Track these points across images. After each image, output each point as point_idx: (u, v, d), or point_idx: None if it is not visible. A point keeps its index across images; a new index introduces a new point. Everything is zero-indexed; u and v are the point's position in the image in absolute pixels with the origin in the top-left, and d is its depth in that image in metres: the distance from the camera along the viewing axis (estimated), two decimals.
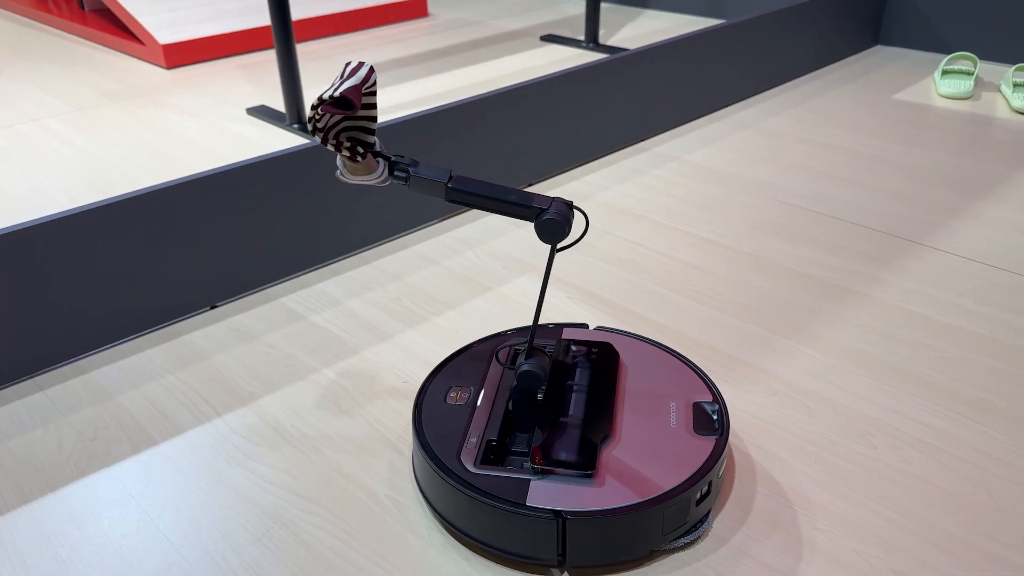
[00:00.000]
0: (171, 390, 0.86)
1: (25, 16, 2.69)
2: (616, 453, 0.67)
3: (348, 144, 0.62)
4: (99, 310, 0.91)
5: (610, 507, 0.62)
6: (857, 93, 1.74)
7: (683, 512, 0.65)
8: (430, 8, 2.59)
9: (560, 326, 0.84)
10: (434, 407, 0.72)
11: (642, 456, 0.67)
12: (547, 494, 0.63)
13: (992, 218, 1.19)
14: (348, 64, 0.65)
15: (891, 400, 0.83)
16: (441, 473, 0.65)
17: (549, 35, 2.20)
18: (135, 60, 2.10)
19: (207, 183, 0.95)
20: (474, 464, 0.66)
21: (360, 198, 1.10)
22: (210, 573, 0.64)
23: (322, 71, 1.95)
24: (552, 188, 1.31)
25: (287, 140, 1.52)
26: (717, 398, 0.73)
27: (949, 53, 1.95)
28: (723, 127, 1.57)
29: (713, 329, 0.95)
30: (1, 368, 0.86)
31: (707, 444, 0.68)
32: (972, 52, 1.91)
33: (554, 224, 0.65)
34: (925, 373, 0.87)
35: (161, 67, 2.02)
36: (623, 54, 1.39)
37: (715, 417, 0.71)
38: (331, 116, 0.60)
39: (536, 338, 0.81)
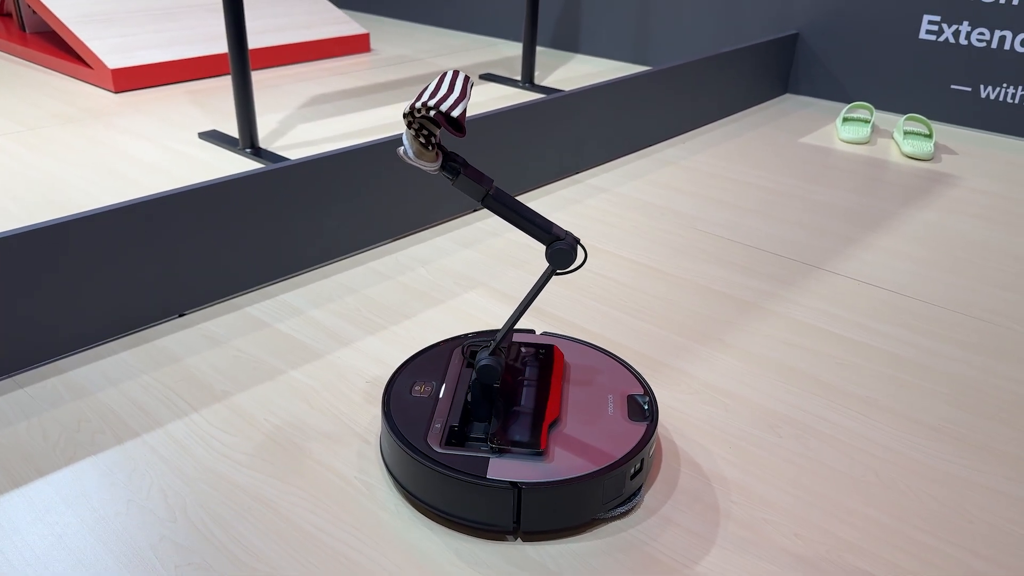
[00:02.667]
0: (147, 388, 0.92)
1: None
2: (562, 436, 0.77)
3: (427, 135, 0.70)
4: (74, 315, 0.97)
5: (558, 478, 0.72)
6: (768, 136, 1.92)
7: (620, 484, 0.75)
8: (373, 44, 2.70)
9: (523, 330, 0.94)
10: (401, 398, 0.81)
11: (584, 438, 0.77)
12: (504, 469, 0.73)
13: (883, 247, 1.35)
14: (447, 73, 0.74)
15: (794, 398, 0.95)
16: (410, 453, 0.74)
17: (488, 74, 2.33)
18: (81, 83, 2.13)
19: (176, 200, 1.03)
20: (439, 445, 0.75)
21: (318, 216, 1.18)
22: (199, 545, 0.71)
23: (270, 98, 2.02)
24: (493, 215, 1.42)
25: (241, 164, 1.59)
26: (647, 391, 0.84)
27: (849, 102, 2.15)
28: (649, 163, 1.71)
29: (641, 337, 1.06)
30: None
31: (639, 428, 0.79)
32: (869, 102, 2.12)
33: (564, 253, 0.75)
34: (823, 376, 1.00)
35: (109, 91, 2.06)
36: (560, 94, 1.52)
37: (645, 407, 0.82)
38: (426, 114, 0.68)
39: (489, 340, 0.91)
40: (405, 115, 0.70)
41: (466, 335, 0.92)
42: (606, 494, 0.74)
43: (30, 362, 0.94)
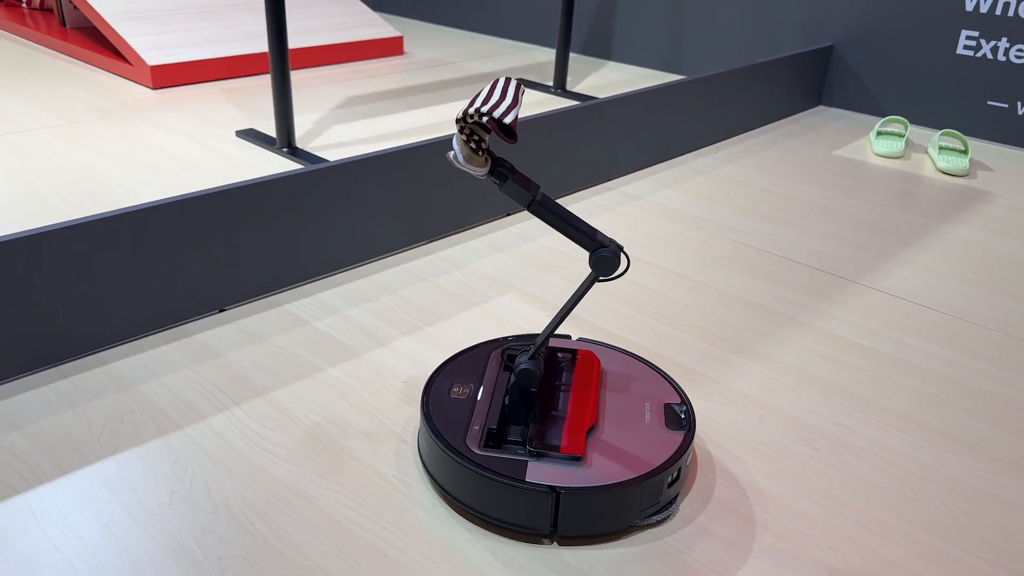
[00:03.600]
0: (189, 381, 0.94)
1: (3, 30, 2.73)
2: (600, 442, 0.78)
3: (477, 140, 0.72)
4: (117, 308, 0.99)
5: (596, 484, 0.73)
6: (801, 148, 1.91)
7: (657, 492, 0.75)
8: (406, 47, 2.72)
9: (560, 335, 0.95)
10: (440, 399, 0.82)
11: (622, 445, 0.78)
12: (543, 473, 0.73)
13: (917, 262, 1.35)
14: (499, 80, 0.75)
15: (829, 411, 0.95)
16: (450, 454, 0.75)
17: (520, 79, 2.34)
18: (120, 79, 2.16)
19: (218, 198, 1.04)
20: (478, 447, 0.76)
21: (355, 216, 1.20)
22: (241, 537, 0.73)
23: (306, 99, 2.05)
24: (525, 220, 1.43)
25: (278, 163, 1.61)
26: (684, 400, 0.85)
27: (883, 116, 2.14)
28: (682, 172, 1.71)
29: (673, 346, 1.07)
30: (28, 356, 0.92)
31: (676, 437, 0.79)
32: (904, 116, 2.11)
33: (609, 260, 0.76)
34: (857, 390, 1.00)
35: (148, 87, 2.09)
36: (594, 102, 1.53)
37: (683, 416, 0.82)
38: (478, 120, 0.69)
39: (528, 344, 0.92)
40: (457, 120, 0.70)
41: (505, 338, 0.93)
42: (643, 501, 0.75)
43: (75, 353, 0.96)
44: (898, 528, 0.78)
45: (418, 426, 0.85)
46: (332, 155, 1.66)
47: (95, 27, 2.52)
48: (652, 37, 2.53)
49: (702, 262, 1.31)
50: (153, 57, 2.08)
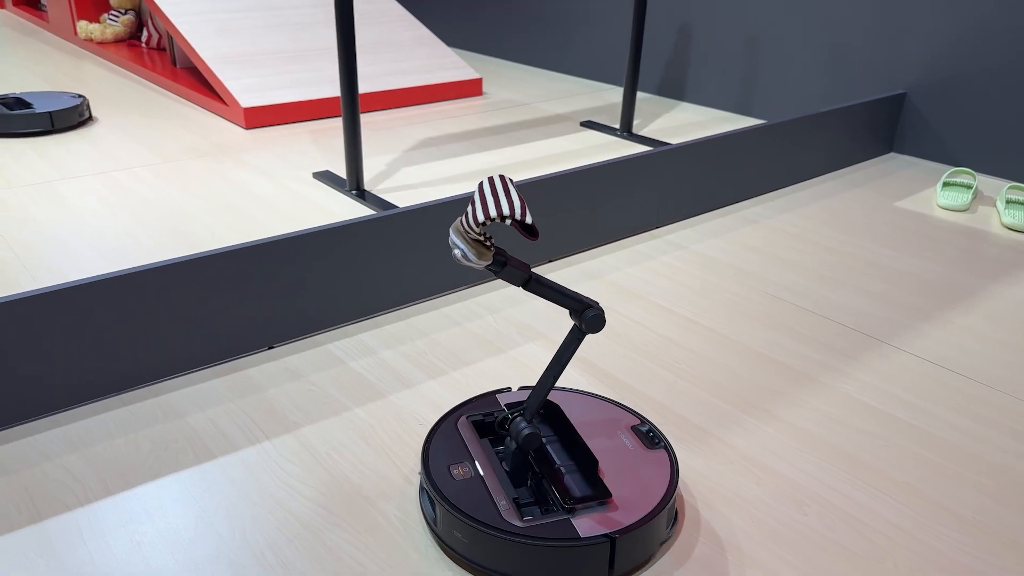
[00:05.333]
0: (230, 415, 1.04)
1: (122, 67, 3.00)
2: (610, 479, 0.84)
3: (486, 237, 0.78)
4: (176, 343, 1.11)
5: (638, 519, 0.79)
6: (864, 198, 1.90)
7: (673, 507, 0.83)
8: (485, 88, 2.83)
9: (491, 393, 0.99)
10: (449, 485, 0.84)
11: (628, 475, 0.85)
12: (589, 525, 0.79)
13: (957, 325, 1.33)
14: (494, 180, 0.80)
15: (829, 477, 0.97)
16: (500, 535, 0.78)
17: (588, 121, 2.40)
18: (217, 118, 2.35)
19: (277, 246, 1.15)
20: (520, 520, 0.79)
21: (401, 262, 1.29)
22: (250, 564, 0.82)
23: (382, 140, 2.18)
24: (569, 266, 1.49)
25: (345, 204, 1.73)
26: (643, 420, 0.93)
27: (955, 165, 2.09)
28: (732, 221, 1.74)
29: (684, 400, 1.11)
30: (95, 386, 1.05)
31: (662, 455, 0.87)
32: (975, 166, 2.05)
33: (598, 319, 0.83)
34: (863, 457, 1.01)
35: (241, 127, 2.26)
36: (648, 152, 1.58)
37: (651, 435, 0.90)
38: (500, 223, 0.76)
39: (476, 407, 0.96)
40: (473, 228, 0.76)
41: (460, 406, 0.96)
42: (668, 518, 0.82)
43: (135, 383, 1.09)
44: None
45: (435, 511, 0.85)
46: (398, 197, 1.77)
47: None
48: (726, 79, 2.55)
49: (730, 315, 1.34)
50: (247, 99, 2.26)
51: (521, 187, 1.41)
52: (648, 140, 2.24)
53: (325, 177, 1.87)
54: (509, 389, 1.00)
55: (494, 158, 2.06)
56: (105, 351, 1.05)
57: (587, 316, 0.83)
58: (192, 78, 2.66)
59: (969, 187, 1.88)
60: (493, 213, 0.76)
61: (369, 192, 1.79)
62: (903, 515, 0.92)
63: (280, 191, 1.79)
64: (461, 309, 1.33)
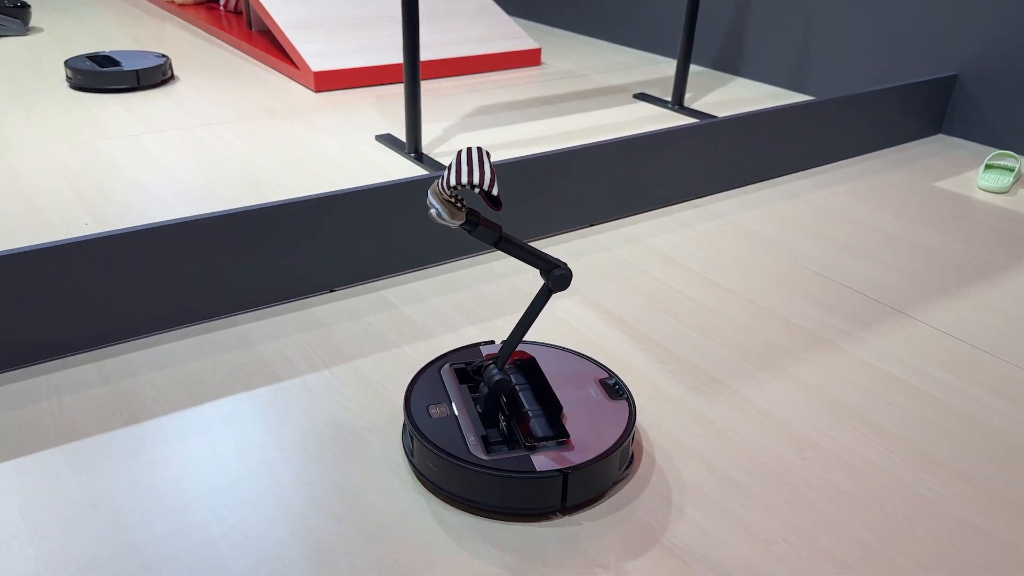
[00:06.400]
0: (296, 346, 1.18)
1: (201, 29, 3.16)
2: (572, 424, 0.95)
3: (457, 199, 0.87)
4: (249, 281, 1.25)
5: (591, 458, 0.89)
6: (907, 177, 1.94)
7: (626, 451, 0.93)
8: (543, 58, 2.91)
9: (475, 345, 1.08)
10: (427, 422, 0.94)
11: (588, 422, 0.95)
12: (545, 461, 0.89)
13: (978, 301, 1.39)
14: (472, 151, 0.89)
15: (830, 429, 1.06)
16: (465, 465, 0.88)
17: (641, 93, 2.47)
18: (288, 80, 2.49)
19: (343, 199, 1.28)
20: (486, 454, 0.90)
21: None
22: (311, 464, 0.95)
23: (441, 107, 2.29)
24: (610, 230, 1.59)
25: (403, 165, 1.85)
26: (611, 374, 1.03)
27: (1003, 148, 2.11)
28: (772, 194, 1.80)
29: (706, 356, 1.20)
30: (180, 314, 1.20)
31: (623, 405, 0.97)
32: (1021, 150, 2.07)
33: (564, 278, 0.92)
34: (867, 414, 1.10)
35: (311, 90, 2.40)
36: (693, 124, 1.66)
37: (616, 387, 1.00)
38: (470, 191, 0.86)
39: (461, 356, 1.05)
40: (441, 191, 0.85)
41: (445, 355, 1.06)
42: (621, 460, 0.92)
43: (213, 315, 1.23)
44: (856, 534, 0.90)
45: (413, 444, 0.96)
46: (450, 161, 1.88)
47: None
48: (780, 55, 2.59)
49: (757, 282, 1.42)
50: (317, 63, 2.39)
51: (566, 154, 1.51)
52: (698, 113, 2.30)
53: (387, 140, 1.99)
54: (492, 342, 1.10)
55: (546, 127, 2.15)
56: (188, 285, 1.19)
57: (554, 275, 0.91)
58: (266, 41, 2.81)
59: (1011, 170, 1.91)
60: (464, 180, 0.85)
61: (426, 155, 1.90)
62: (897, 465, 1.00)
63: (345, 151, 1.92)
64: (505, 266, 1.44)
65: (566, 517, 0.90)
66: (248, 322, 1.23)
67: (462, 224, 0.89)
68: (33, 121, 2.06)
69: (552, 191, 1.51)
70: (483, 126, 2.14)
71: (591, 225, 1.61)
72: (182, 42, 2.96)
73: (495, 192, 0.86)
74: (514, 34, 2.81)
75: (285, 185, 1.71)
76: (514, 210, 1.47)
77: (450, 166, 0.88)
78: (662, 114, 2.30)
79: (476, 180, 0.85)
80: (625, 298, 1.35)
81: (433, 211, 0.87)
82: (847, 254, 1.54)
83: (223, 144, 1.93)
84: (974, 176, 1.96)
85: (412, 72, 1.78)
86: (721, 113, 2.34)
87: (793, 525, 0.90)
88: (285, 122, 2.11)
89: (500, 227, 0.92)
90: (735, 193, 1.80)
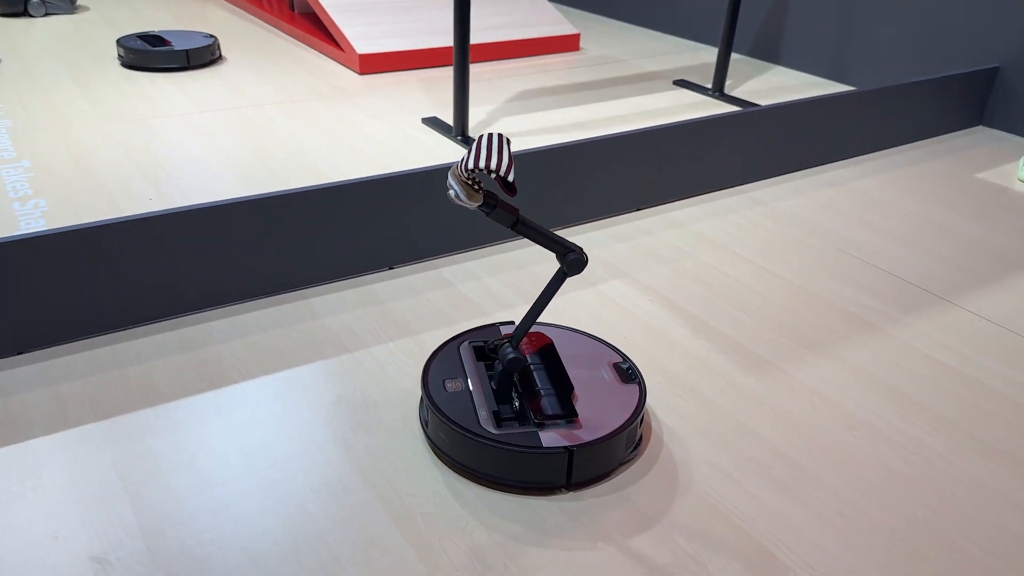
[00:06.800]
0: (361, 320, 1.23)
1: (244, 11, 3.21)
2: (582, 404, 0.98)
3: (475, 181, 0.90)
4: (315, 257, 1.30)
5: (596, 437, 0.93)
6: (947, 168, 1.96)
7: (634, 433, 0.97)
8: (582, 43, 2.94)
9: (495, 324, 1.12)
10: (441, 394, 0.98)
11: (598, 403, 0.98)
12: (553, 438, 0.93)
13: (1019, 290, 1.42)
14: (492, 137, 0.92)
15: (879, 408, 1.10)
16: (475, 438, 0.91)
17: (681, 80, 2.50)
18: (333, 63, 2.54)
19: (396, 181, 1.32)
20: (496, 428, 0.94)
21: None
22: (380, 429, 1.00)
23: (483, 91, 2.32)
24: (656, 215, 1.63)
25: (452, 149, 1.89)
26: (626, 358, 1.06)
27: None
28: (814, 182, 1.83)
29: (753, 336, 1.24)
30: (258, 286, 1.25)
31: (634, 389, 1.00)
32: None
33: (579, 261, 0.94)
34: (911, 393, 1.13)
35: (356, 72, 2.44)
36: (735, 113, 1.69)
37: (629, 371, 1.03)
38: (487, 175, 0.89)
39: (480, 335, 1.09)
40: (463, 172, 0.88)
41: (464, 333, 1.10)
42: (628, 441, 0.96)
43: (284, 289, 1.28)
44: (902, 502, 0.94)
45: (427, 416, 0.98)
46: None
47: (316, 14, 2.92)
48: (820, 44, 2.60)
49: (801, 266, 1.46)
50: (362, 46, 2.43)
51: (614, 140, 1.54)
52: (738, 101, 2.33)
53: (433, 123, 2.03)
54: (512, 323, 1.14)
55: (588, 112, 2.18)
56: (258, 260, 1.25)
57: (569, 259, 0.94)
58: (308, 23, 2.85)
59: None
60: (482, 164, 0.88)
61: (472, 138, 1.94)
62: (945, 446, 1.04)
63: (393, 133, 1.96)
64: None
65: (571, 493, 0.94)
66: (315, 296, 1.29)
67: (479, 206, 0.91)
68: (89, 99, 2.12)
69: (599, 176, 1.55)
70: (526, 110, 2.18)
71: (637, 210, 1.65)
72: (224, 23, 3.01)
73: (511, 178, 0.88)
74: (553, 19, 2.83)
75: (338, 166, 1.76)
76: (561, 194, 1.51)
77: (470, 150, 0.90)
78: (702, 101, 2.33)
79: (493, 165, 0.88)
80: (673, 280, 1.39)
81: (452, 192, 0.90)
82: (890, 242, 1.57)
83: (275, 124, 1.98)
84: (1014, 168, 1.98)
85: (462, 57, 1.82)
86: (761, 101, 2.36)
87: (845, 496, 0.94)
88: (333, 103, 2.16)
89: (517, 210, 0.94)
90: (777, 180, 1.83)
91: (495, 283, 1.35)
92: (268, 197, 1.22)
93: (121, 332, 1.18)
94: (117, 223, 1.13)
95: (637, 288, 1.36)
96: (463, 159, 0.90)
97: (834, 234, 1.59)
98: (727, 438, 1.03)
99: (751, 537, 0.89)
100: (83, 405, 1.03)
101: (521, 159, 1.44)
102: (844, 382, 1.15)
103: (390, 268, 1.38)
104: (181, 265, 1.19)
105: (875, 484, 0.97)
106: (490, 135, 0.93)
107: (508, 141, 0.93)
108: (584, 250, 0.96)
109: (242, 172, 1.70)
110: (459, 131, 1.92)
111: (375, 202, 1.32)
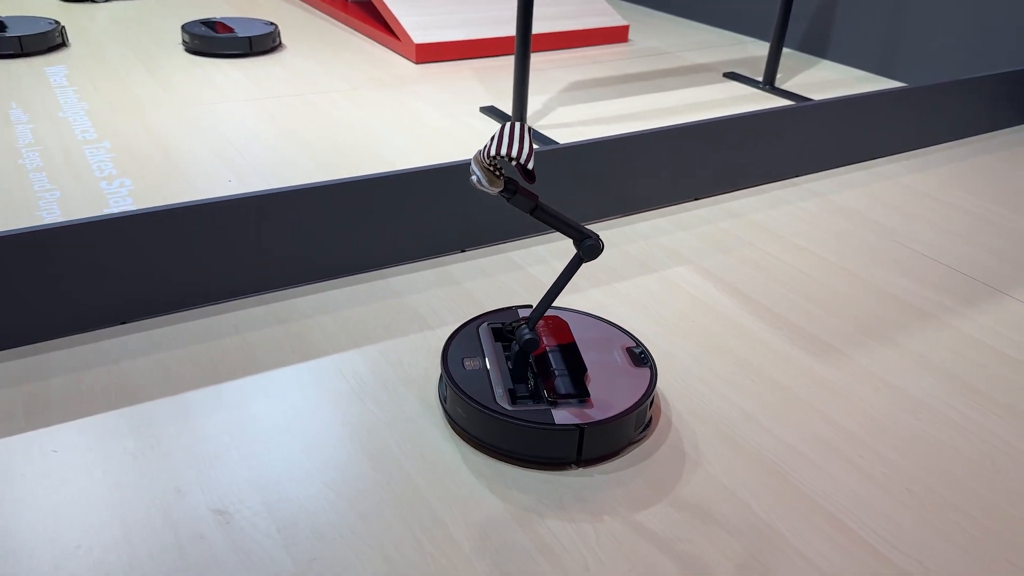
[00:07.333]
0: (439, 298, 1.29)
1: (301, 0, 3.28)
2: (594, 384, 1.02)
3: (496, 167, 0.94)
4: (393, 239, 1.36)
5: (607, 416, 0.97)
6: (996, 164, 1.99)
7: (643, 414, 1.01)
8: (631, 35, 2.97)
9: (513, 307, 1.16)
10: (460, 371, 1.02)
11: (610, 383, 1.02)
12: (565, 416, 0.97)
13: None
14: (515, 125, 0.95)
15: (942, 393, 1.14)
16: (491, 413, 0.95)
17: (731, 72, 2.53)
18: (389, 52, 2.60)
19: (464, 169, 1.38)
20: (510, 405, 0.98)
21: (571, 189, 1.50)
22: (416, 392, 1.06)
23: (536, 82, 2.37)
24: (713, 205, 1.67)
25: None
26: (639, 343, 1.10)
27: None
28: (867, 176, 1.87)
29: (817, 322, 1.29)
30: (342, 267, 1.32)
31: (645, 372, 1.05)
32: None
33: (595, 248, 0.97)
34: (977, 384, 1.17)
35: (411, 61, 2.50)
36: (793, 106, 1.73)
37: (641, 354, 1.07)
38: (507, 162, 0.93)
39: (498, 317, 1.13)
40: (482, 159, 0.92)
41: (484, 314, 1.15)
42: (637, 422, 1.00)
43: (365, 268, 1.35)
44: (968, 486, 0.98)
45: (446, 392, 1.03)
46: (555, 134, 1.97)
47: (372, 4, 2.98)
48: (869, 39, 2.62)
49: (862, 258, 1.50)
50: (419, 36, 2.49)
51: (673, 132, 1.59)
52: (790, 94, 2.36)
53: (491, 112, 2.09)
54: (530, 306, 1.17)
55: (640, 103, 2.23)
56: (341, 240, 1.31)
57: (585, 244, 0.97)
58: (363, 12, 2.91)
59: None
60: (504, 151, 0.91)
61: (531, 128, 2.00)
62: (1010, 430, 1.08)
63: (453, 122, 2.02)
64: (618, 234, 1.53)
65: (581, 469, 0.99)
66: (394, 275, 1.35)
67: (500, 191, 0.95)
68: (159, 82, 2.20)
69: (657, 166, 1.60)
70: (579, 100, 2.22)
71: (695, 199, 1.69)
72: (280, 11, 3.08)
73: (530, 166, 0.93)
74: (603, 11, 2.87)
75: (403, 152, 1.82)
76: (619, 183, 1.56)
77: (492, 137, 0.94)
78: (753, 94, 2.36)
79: (515, 153, 0.92)
80: (735, 267, 1.44)
81: (474, 177, 0.93)
82: (943, 235, 1.61)
83: (340, 111, 2.05)
84: None
85: (523, 47, 1.87)
86: (811, 94, 2.39)
87: (912, 475, 0.99)
88: (392, 92, 2.22)
89: (537, 196, 0.97)
90: (830, 173, 1.87)
91: (562, 267, 1.41)
92: (350, 182, 1.28)
93: (215, 305, 1.25)
94: (227, 201, 1.19)
95: (701, 275, 1.41)
96: (485, 146, 0.94)
97: (887, 226, 1.63)
98: (798, 421, 1.08)
99: (756, 515, 0.94)
100: (187, 371, 1.10)
101: (586, 148, 1.49)
102: (906, 368, 1.19)
103: (462, 251, 1.44)
104: (274, 244, 1.26)
105: (937, 464, 1.01)
106: (512, 124, 0.96)
107: (530, 130, 0.96)
108: (596, 237, 0.98)
109: (318, 158, 1.77)
110: (518, 120, 1.97)
111: (446, 187, 1.38)
